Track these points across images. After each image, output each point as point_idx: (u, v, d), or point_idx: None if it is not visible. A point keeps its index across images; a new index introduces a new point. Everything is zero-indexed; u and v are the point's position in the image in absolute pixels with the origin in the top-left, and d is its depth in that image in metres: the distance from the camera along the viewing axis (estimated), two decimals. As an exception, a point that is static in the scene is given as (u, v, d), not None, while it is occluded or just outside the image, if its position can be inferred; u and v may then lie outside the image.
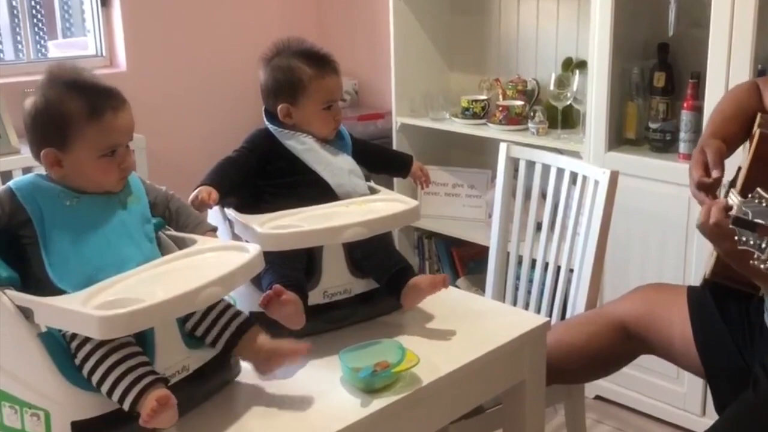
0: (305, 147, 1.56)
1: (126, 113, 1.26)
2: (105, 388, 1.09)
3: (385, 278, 1.52)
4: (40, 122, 1.23)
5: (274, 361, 1.27)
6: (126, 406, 1.09)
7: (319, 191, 1.54)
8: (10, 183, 1.24)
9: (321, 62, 1.60)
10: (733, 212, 1.25)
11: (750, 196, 1.24)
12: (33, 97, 1.24)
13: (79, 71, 1.27)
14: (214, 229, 1.39)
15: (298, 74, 1.57)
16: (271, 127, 1.58)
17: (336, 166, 1.57)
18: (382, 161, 1.76)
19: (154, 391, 1.09)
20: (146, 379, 1.10)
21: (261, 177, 1.55)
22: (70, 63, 1.30)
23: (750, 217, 1.21)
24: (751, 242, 1.21)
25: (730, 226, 1.24)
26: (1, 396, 1.13)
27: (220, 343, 1.25)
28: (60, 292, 1.16)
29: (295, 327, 1.36)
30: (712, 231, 1.33)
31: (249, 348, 1.26)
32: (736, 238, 1.23)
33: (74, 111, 1.21)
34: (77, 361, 1.11)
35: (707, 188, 1.43)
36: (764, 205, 1.21)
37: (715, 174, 1.42)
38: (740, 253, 1.24)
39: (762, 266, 1.19)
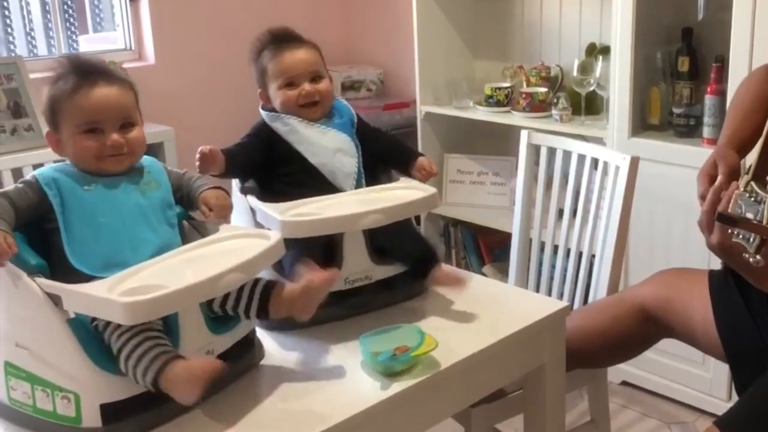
0: (288, 128, 1.59)
1: (108, 89, 1.28)
2: (130, 364, 1.12)
3: (411, 262, 1.55)
4: (45, 108, 1.31)
5: (308, 298, 1.27)
6: (148, 381, 1.11)
7: (312, 174, 1.56)
8: (35, 171, 1.29)
9: (279, 42, 1.63)
10: (720, 208, 1.28)
11: (744, 189, 1.26)
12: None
13: (78, 57, 1.34)
14: (216, 187, 1.39)
15: (262, 60, 1.63)
16: (263, 112, 1.62)
17: (319, 146, 1.58)
18: (382, 149, 1.67)
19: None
20: (167, 355, 1.12)
21: (267, 168, 1.58)
22: (77, 53, 1.37)
23: (742, 211, 1.24)
24: (741, 236, 1.23)
25: (716, 222, 1.26)
26: (34, 380, 1.17)
27: (253, 310, 1.27)
28: (84, 276, 1.20)
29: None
30: (709, 221, 1.34)
31: (281, 301, 1.28)
32: (729, 231, 1.25)
33: (59, 90, 1.28)
34: (107, 341, 1.14)
35: None
36: (752, 200, 1.23)
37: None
38: (733, 246, 1.25)
39: (751, 259, 1.21)
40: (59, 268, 1.23)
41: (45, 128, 1.32)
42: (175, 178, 1.40)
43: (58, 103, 1.28)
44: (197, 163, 1.48)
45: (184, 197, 1.39)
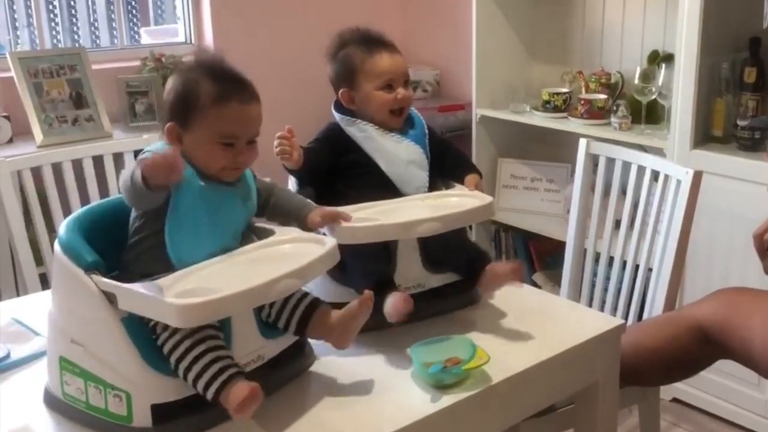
0: (364, 134, 1.57)
1: (253, 108, 1.29)
2: (191, 377, 1.12)
3: (463, 266, 1.53)
4: (172, 99, 1.28)
5: (348, 331, 1.26)
6: (209, 396, 1.12)
7: (382, 182, 1.54)
8: (150, 148, 1.27)
9: (373, 43, 1.60)
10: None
11: None
12: (174, 76, 1.30)
13: (221, 59, 1.32)
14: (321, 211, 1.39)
15: (353, 59, 1.59)
16: (337, 115, 1.61)
17: (394, 155, 1.57)
18: (447, 162, 1.66)
19: (241, 383, 1.11)
20: (229, 371, 1.12)
21: (335, 171, 1.57)
22: (215, 50, 1.34)
23: None
24: None
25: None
26: (87, 376, 1.18)
27: (292, 325, 1.26)
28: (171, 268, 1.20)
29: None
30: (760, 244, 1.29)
31: (321, 326, 1.26)
32: None
33: (203, 92, 1.25)
34: (165, 351, 1.14)
35: None
36: None
37: None
38: None
39: None
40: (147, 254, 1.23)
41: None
42: (263, 188, 1.38)
43: (200, 106, 1.24)
44: (276, 149, 1.47)
45: (291, 219, 1.38)
